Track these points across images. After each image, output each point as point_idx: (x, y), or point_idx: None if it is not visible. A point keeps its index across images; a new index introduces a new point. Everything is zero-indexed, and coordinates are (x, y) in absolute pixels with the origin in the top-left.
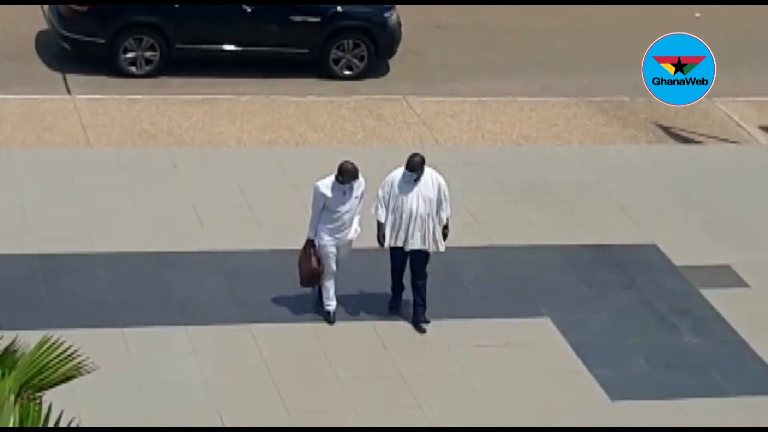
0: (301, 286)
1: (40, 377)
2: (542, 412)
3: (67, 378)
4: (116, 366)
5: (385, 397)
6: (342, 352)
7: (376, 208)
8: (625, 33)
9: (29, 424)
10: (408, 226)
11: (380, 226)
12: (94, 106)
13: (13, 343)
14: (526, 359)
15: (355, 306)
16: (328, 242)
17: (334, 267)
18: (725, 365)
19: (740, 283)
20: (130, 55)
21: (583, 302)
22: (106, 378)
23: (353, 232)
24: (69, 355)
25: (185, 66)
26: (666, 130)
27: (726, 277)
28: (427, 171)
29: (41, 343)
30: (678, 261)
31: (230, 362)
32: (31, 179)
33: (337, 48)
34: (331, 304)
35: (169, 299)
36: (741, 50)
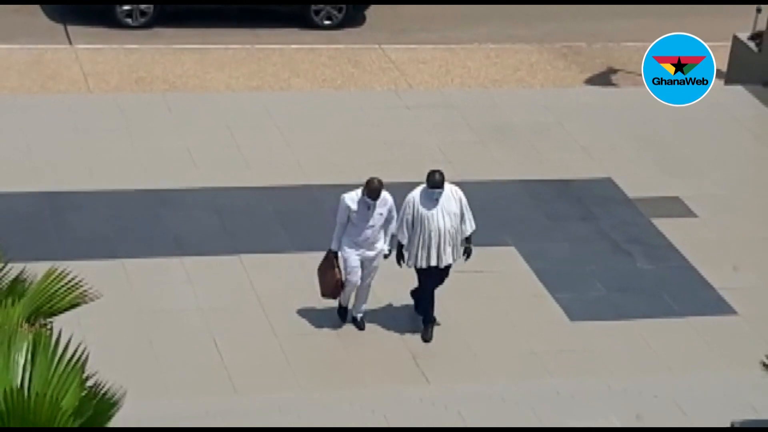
0: (322, 297)
1: (49, 305)
2: (509, 331)
3: (73, 305)
4: (117, 294)
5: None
6: None
7: (398, 229)
8: None
9: (41, 349)
10: (439, 243)
11: (401, 248)
12: (94, 56)
13: (21, 273)
14: (495, 285)
15: None
16: (351, 255)
17: (356, 280)
18: (675, 289)
19: (688, 213)
20: (126, 7)
21: (545, 232)
22: (108, 305)
23: (379, 250)
24: (74, 285)
25: (177, 18)
26: (621, 73)
27: (675, 207)
28: (447, 186)
29: (48, 274)
30: (631, 194)
31: (222, 290)
32: (36, 123)
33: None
34: (359, 316)
35: (166, 233)
36: None
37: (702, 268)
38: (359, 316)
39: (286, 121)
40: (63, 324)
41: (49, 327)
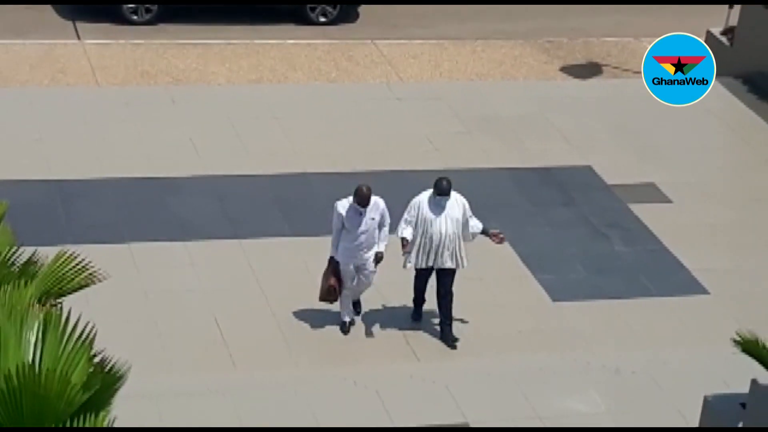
0: (319, 301)
1: (59, 286)
2: (495, 311)
3: (82, 286)
4: (124, 276)
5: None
6: (321, 262)
7: (402, 227)
8: None
9: (51, 327)
10: (438, 247)
11: (405, 244)
12: (101, 51)
13: (33, 256)
14: (481, 267)
15: None
16: (345, 261)
17: (350, 285)
18: (651, 270)
19: (664, 199)
20: (132, 4)
21: (528, 218)
22: (115, 287)
23: (374, 255)
24: (83, 267)
25: (181, 14)
26: (600, 67)
27: (651, 193)
28: (452, 193)
29: (58, 257)
30: (610, 180)
31: (223, 272)
32: (47, 115)
33: None
34: (347, 318)
35: (170, 218)
36: None
37: (676, 251)
38: (347, 320)
39: (283, 112)
40: (73, 304)
41: (58, 307)
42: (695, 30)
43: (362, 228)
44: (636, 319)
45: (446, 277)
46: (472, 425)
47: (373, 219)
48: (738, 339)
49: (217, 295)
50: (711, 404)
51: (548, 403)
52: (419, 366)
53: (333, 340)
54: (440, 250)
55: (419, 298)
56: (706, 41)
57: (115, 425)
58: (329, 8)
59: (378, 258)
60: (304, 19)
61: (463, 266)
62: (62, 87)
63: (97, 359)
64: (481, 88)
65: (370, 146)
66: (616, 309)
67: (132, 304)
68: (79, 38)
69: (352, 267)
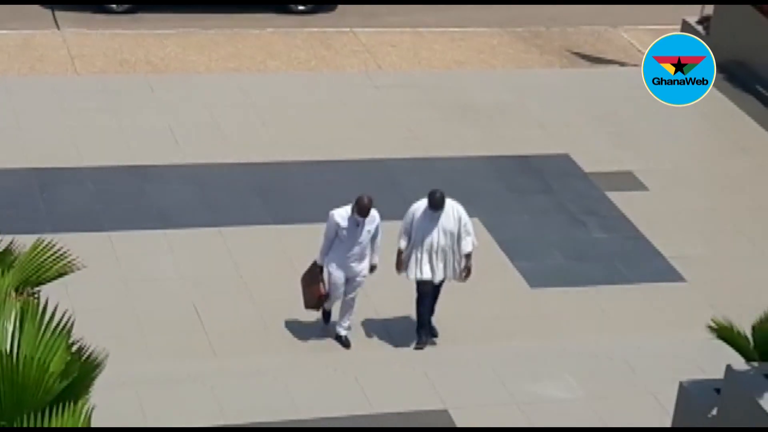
0: (305, 309)
1: (36, 275)
2: (473, 297)
3: (60, 275)
4: (103, 265)
5: None
6: (300, 250)
7: (400, 237)
8: None
9: (29, 316)
10: (431, 258)
11: (399, 253)
12: (80, 39)
13: (10, 245)
14: None
15: None
16: (336, 271)
17: (340, 294)
18: (627, 257)
19: (640, 186)
20: None
21: (506, 205)
22: (95, 275)
23: (366, 266)
24: (61, 255)
25: (160, 3)
26: (577, 55)
27: (628, 181)
28: (449, 203)
29: (36, 245)
30: (587, 168)
31: (202, 260)
32: (26, 103)
33: None
34: (343, 333)
35: (149, 206)
36: None
37: (652, 238)
38: (343, 333)
39: (262, 100)
40: (51, 293)
41: (36, 296)
42: (672, 19)
43: (359, 239)
44: (612, 306)
45: (438, 288)
46: (450, 411)
47: (369, 231)
48: (713, 325)
49: (196, 282)
50: (686, 390)
51: (525, 388)
52: (398, 352)
53: (312, 326)
54: (434, 261)
55: (424, 320)
56: (681, 30)
57: (95, 413)
58: None
59: (372, 269)
60: (282, 8)
61: (450, 279)
62: (41, 76)
63: (75, 348)
64: (460, 77)
65: (349, 134)
66: (593, 295)
67: (111, 293)
68: (58, 27)
69: (342, 277)
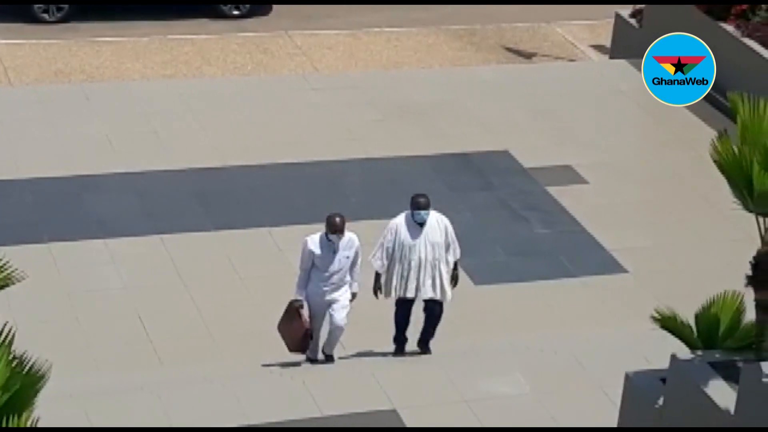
0: (290, 352)
1: None
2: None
3: (1, 287)
4: (45, 276)
5: (281, 292)
6: (242, 255)
7: (375, 256)
8: None
9: None
10: (418, 274)
11: (378, 277)
12: (14, 50)
13: None
14: None
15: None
16: (315, 300)
17: (320, 326)
18: (570, 251)
19: (580, 180)
20: (42, 4)
21: (448, 203)
22: (36, 287)
23: (346, 295)
24: (1, 267)
25: (93, 12)
26: (513, 52)
27: (568, 175)
28: (433, 215)
29: None
30: (527, 164)
31: (145, 269)
32: None
33: None
34: (317, 357)
35: (89, 216)
36: None
37: (594, 231)
38: (332, 354)
39: (200, 106)
40: None
41: None
42: (605, 12)
43: (335, 267)
44: (557, 300)
45: (432, 309)
46: (399, 410)
47: (347, 258)
48: (657, 316)
49: (139, 291)
50: (632, 381)
51: (473, 386)
52: (344, 354)
53: (258, 332)
54: (422, 278)
55: (401, 335)
56: (615, 23)
57: (40, 425)
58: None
59: (352, 298)
60: (216, 13)
61: (446, 298)
62: None
63: (16, 360)
64: (397, 77)
65: (289, 138)
66: (538, 290)
67: (53, 304)
68: None
69: (321, 308)
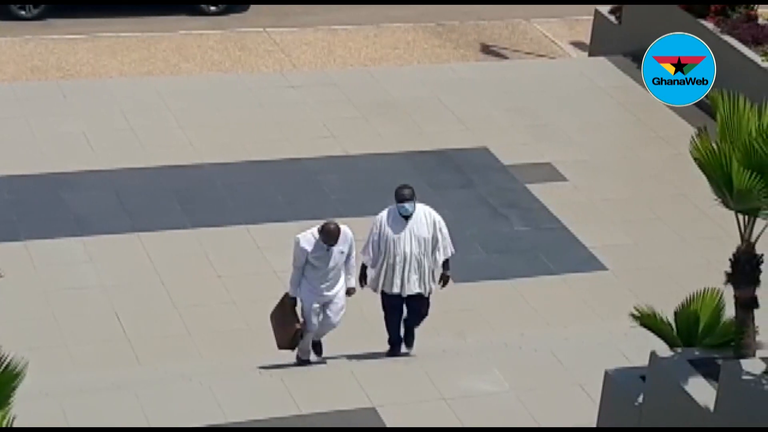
0: (279, 349)
1: None
2: None
3: None
4: (22, 275)
5: (259, 290)
6: (220, 253)
7: (365, 251)
8: None
9: None
10: (403, 269)
11: (363, 269)
12: None
13: None
14: None
15: None
16: (310, 299)
17: (315, 325)
18: (549, 248)
19: (560, 177)
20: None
21: (427, 200)
22: (13, 286)
23: (342, 290)
24: None
25: (70, 9)
26: (492, 49)
27: (547, 173)
28: (420, 208)
29: None
30: (506, 161)
31: (123, 267)
32: None
33: None
34: (310, 358)
35: (66, 214)
36: None
37: (574, 229)
38: (312, 360)
39: (177, 103)
40: None
41: None
42: (584, 9)
43: (331, 264)
44: (536, 298)
45: (415, 304)
46: (378, 409)
47: (342, 252)
48: (636, 313)
49: (117, 290)
50: (612, 378)
51: (453, 384)
52: (323, 352)
53: (236, 330)
54: (407, 273)
55: (395, 336)
56: (594, 20)
57: (16, 424)
58: None
59: (349, 293)
60: (194, 10)
61: (428, 292)
62: None
63: None
64: (376, 74)
65: (267, 135)
66: (517, 288)
67: (30, 303)
68: None
69: (317, 305)
